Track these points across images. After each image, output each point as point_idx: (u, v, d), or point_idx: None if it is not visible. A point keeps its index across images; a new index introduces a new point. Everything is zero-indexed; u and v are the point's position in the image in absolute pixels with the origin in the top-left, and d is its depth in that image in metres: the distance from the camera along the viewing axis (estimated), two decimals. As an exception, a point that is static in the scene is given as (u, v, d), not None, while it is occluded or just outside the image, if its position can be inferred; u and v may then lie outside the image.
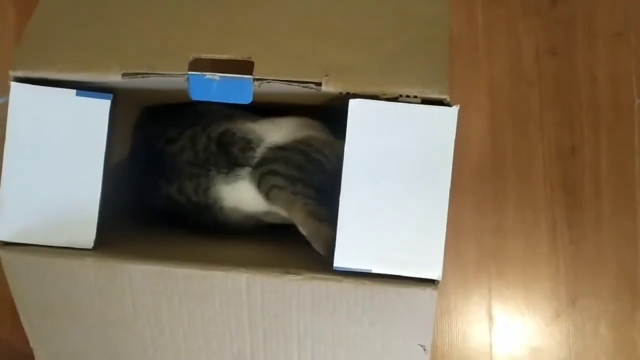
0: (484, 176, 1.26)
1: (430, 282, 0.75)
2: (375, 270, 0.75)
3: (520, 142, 1.26)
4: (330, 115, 0.84)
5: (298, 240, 0.92)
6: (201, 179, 0.95)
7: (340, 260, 0.76)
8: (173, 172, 0.98)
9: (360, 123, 0.76)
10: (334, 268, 0.76)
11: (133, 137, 1.07)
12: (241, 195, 0.95)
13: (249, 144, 0.95)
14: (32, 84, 0.79)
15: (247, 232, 0.99)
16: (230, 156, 0.95)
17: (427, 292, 0.74)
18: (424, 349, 0.77)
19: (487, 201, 1.26)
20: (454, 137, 0.75)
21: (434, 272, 0.75)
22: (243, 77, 0.77)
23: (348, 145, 0.76)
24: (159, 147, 1.00)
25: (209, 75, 0.78)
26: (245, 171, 0.94)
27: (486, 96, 1.26)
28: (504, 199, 1.26)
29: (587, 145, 1.25)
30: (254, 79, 0.77)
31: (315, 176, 0.90)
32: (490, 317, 1.26)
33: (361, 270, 0.76)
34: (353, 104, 0.75)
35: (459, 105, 0.74)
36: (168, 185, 0.98)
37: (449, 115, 0.75)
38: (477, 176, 1.26)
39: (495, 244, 1.25)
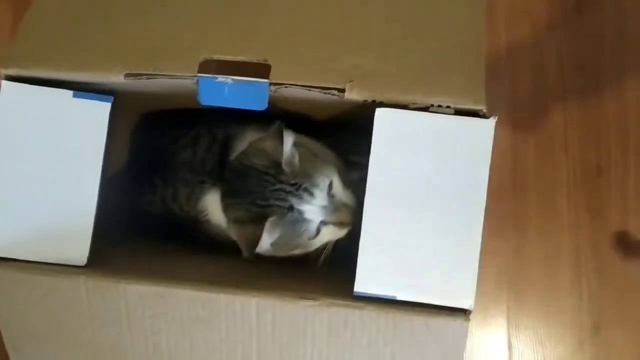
0: (504, 196, 1.20)
1: (461, 312, 0.68)
2: (400, 298, 0.69)
3: (543, 160, 1.20)
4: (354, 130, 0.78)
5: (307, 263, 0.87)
6: (195, 188, 0.89)
7: (362, 285, 0.69)
8: (170, 172, 0.92)
9: (387, 135, 0.69)
10: (354, 294, 0.69)
11: (131, 142, 1.01)
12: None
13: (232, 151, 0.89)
14: (26, 83, 0.73)
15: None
16: (227, 168, 0.88)
17: (458, 323, 0.67)
18: (452, 387, 0.70)
19: (507, 223, 1.20)
20: (490, 152, 0.68)
21: (466, 300, 0.68)
22: (258, 81, 0.71)
23: (373, 160, 0.70)
24: (163, 144, 0.95)
25: (220, 78, 0.71)
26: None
27: (508, 111, 1.21)
28: (525, 222, 1.20)
29: (614, 166, 1.19)
30: (271, 84, 0.70)
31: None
32: (509, 347, 1.19)
33: (384, 297, 0.69)
34: (379, 113, 0.69)
35: (496, 117, 0.67)
36: (164, 188, 0.93)
37: (485, 128, 0.68)
38: (497, 196, 1.20)
39: (515, 269, 1.19)
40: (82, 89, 0.74)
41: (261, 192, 0.82)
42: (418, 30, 0.76)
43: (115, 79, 0.71)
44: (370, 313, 0.68)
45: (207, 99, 0.72)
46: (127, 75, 0.71)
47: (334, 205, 0.83)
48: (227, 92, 0.72)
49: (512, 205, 1.20)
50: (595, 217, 1.19)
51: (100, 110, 0.74)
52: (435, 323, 0.68)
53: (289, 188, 0.82)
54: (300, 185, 0.82)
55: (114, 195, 0.89)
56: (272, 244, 0.83)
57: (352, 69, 0.71)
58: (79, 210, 0.73)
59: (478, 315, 1.19)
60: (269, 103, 0.73)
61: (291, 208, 0.81)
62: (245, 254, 0.79)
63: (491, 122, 0.68)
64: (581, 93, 1.20)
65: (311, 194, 0.82)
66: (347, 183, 0.86)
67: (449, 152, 0.69)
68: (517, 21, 1.22)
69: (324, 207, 0.83)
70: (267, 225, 0.80)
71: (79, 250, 0.73)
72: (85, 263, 0.73)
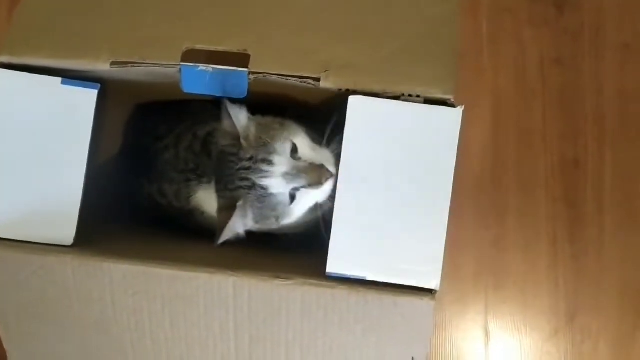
0: (485, 187, 1.23)
1: (428, 292, 0.71)
2: (370, 278, 0.72)
3: (522, 152, 1.23)
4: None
5: (287, 246, 0.89)
6: (181, 186, 0.90)
7: (334, 266, 0.72)
8: (155, 171, 0.93)
9: (360, 122, 0.72)
10: (326, 274, 0.72)
11: (124, 133, 1.03)
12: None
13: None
14: (18, 70, 0.76)
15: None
16: (212, 160, 0.88)
17: (425, 302, 0.70)
18: (419, 363, 0.74)
19: (487, 213, 1.23)
20: (458, 139, 0.71)
21: (432, 281, 0.71)
22: (238, 70, 0.74)
23: (345, 145, 0.73)
24: (147, 143, 0.95)
25: (202, 66, 0.74)
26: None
27: (489, 105, 1.23)
28: (504, 212, 1.22)
29: (591, 159, 1.22)
30: (250, 72, 0.73)
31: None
32: (487, 333, 1.22)
33: (355, 278, 0.72)
34: (352, 100, 0.72)
35: (463, 106, 0.70)
36: (150, 185, 0.94)
37: (452, 117, 0.71)
38: (478, 187, 1.22)
39: (494, 258, 1.22)
40: (71, 76, 0.76)
41: (230, 175, 0.82)
42: (395, 24, 0.78)
43: (102, 67, 0.74)
44: (341, 292, 0.71)
45: (189, 87, 0.76)
46: (113, 64, 0.74)
47: (299, 168, 0.80)
48: (208, 80, 0.75)
49: (493, 196, 1.23)
50: (572, 208, 1.21)
51: (87, 97, 0.76)
52: (403, 302, 0.70)
53: (247, 164, 0.80)
54: (257, 157, 0.80)
55: (106, 180, 0.92)
56: (256, 222, 0.83)
57: (329, 59, 0.74)
58: (67, 193, 0.76)
59: (457, 302, 1.22)
60: (250, 93, 0.76)
61: (253, 186, 0.80)
62: (216, 243, 0.80)
63: (458, 111, 0.71)
64: (560, 88, 1.23)
65: (270, 163, 0.80)
66: (319, 141, 0.84)
67: (418, 139, 0.72)
68: (499, 18, 1.24)
69: (287, 173, 0.80)
70: (237, 211, 0.80)
71: (66, 231, 0.76)
72: (71, 243, 0.76)
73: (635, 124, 1.22)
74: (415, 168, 0.72)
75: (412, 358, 0.74)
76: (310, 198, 0.82)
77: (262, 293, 0.73)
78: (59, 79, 0.76)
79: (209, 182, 0.87)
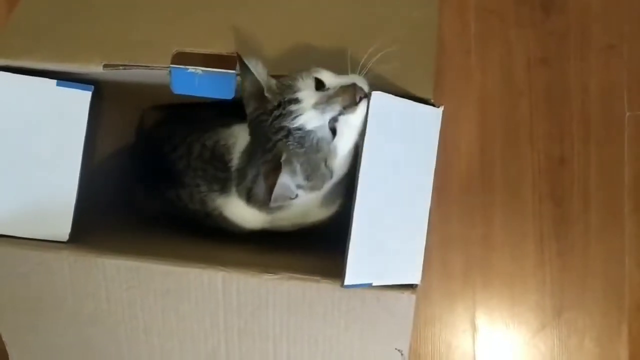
0: (473, 186, 1.25)
1: (409, 286, 0.73)
2: (375, 284, 0.72)
3: (509, 152, 1.25)
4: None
5: (294, 243, 0.90)
6: (193, 190, 0.92)
7: (351, 277, 0.70)
8: (172, 177, 0.94)
9: (381, 119, 0.71)
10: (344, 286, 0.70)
11: (137, 135, 1.06)
12: (236, 209, 0.88)
13: (228, 151, 0.87)
14: (14, 72, 0.78)
15: (254, 235, 0.92)
16: (223, 165, 0.88)
17: (406, 296, 0.73)
18: (402, 354, 0.76)
19: (475, 212, 1.25)
20: (438, 138, 0.74)
21: (413, 276, 0.73)
22: (226, 72, 0.76)
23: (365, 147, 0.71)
24: (165, 151, 0.96)
25: (191, 69, 0.77)
26: (232, 183, 0.86)
27: (477, 105, 1.26)
28: (492, 210, 1.25)
29: (576, 157, 1.24)
30: (238, 74, 0.76)
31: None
32: (475, 328, 1.24)
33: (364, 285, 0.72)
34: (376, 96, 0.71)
35: (443, 106, 0.73)
36: (168, 190, 0.95)
37: (433, 116, 0.73)
38: (466, 186, 1.25)
39: (482, 255, 1.24)
40: (66, 78, 0.79)
41: (264, 136, 0.77)
42: (377, 27, 0.81)
43: (96, 69, 0.77)
44: (326, 286, 0.73)
45: (179, 88, 0.78)
46: (105, 66, 0.77)
47: (329, 95, 0.74)
48: (197, 82, 0.78)
49: (480, 195, 1.25)
50: (558, 205, 1.24)
51: (82, 98, 0.79)
52: (385, 296, 0.73)
53: (277, 112, 0.75)
54: (283, 101, 0.75)
55: (103, 178, 0.94)
56: (307, 178, 0.77)
57: (315, 60, 0.77)
58: (62, 191, 0.79)
59: (446, 298, 1.24)
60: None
61: (289, 132, 0.74)
62: (270, 203, 0.74)
63: (439, 111, 0.73)
64: (546, 88, 1.25)
65: (296, 101, 0.74)
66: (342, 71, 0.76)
67: (404, 137, 0.74)
68: (487, 20, 1.26)
69: (317, 103, 0.74)
70: (284, 165, 0.73)
71: (62, 228, 0.78)
72: (67, 239, 0.78)
73: (619, 123, 1.24)
74: (397, 167, 0.74)
75: (400, 352, 0.76)
76: (347, 125, 0.75)
77: (250, 287, 0.75)
78: (54, 81, 0.78)
79: (221, 190, 0.88)
